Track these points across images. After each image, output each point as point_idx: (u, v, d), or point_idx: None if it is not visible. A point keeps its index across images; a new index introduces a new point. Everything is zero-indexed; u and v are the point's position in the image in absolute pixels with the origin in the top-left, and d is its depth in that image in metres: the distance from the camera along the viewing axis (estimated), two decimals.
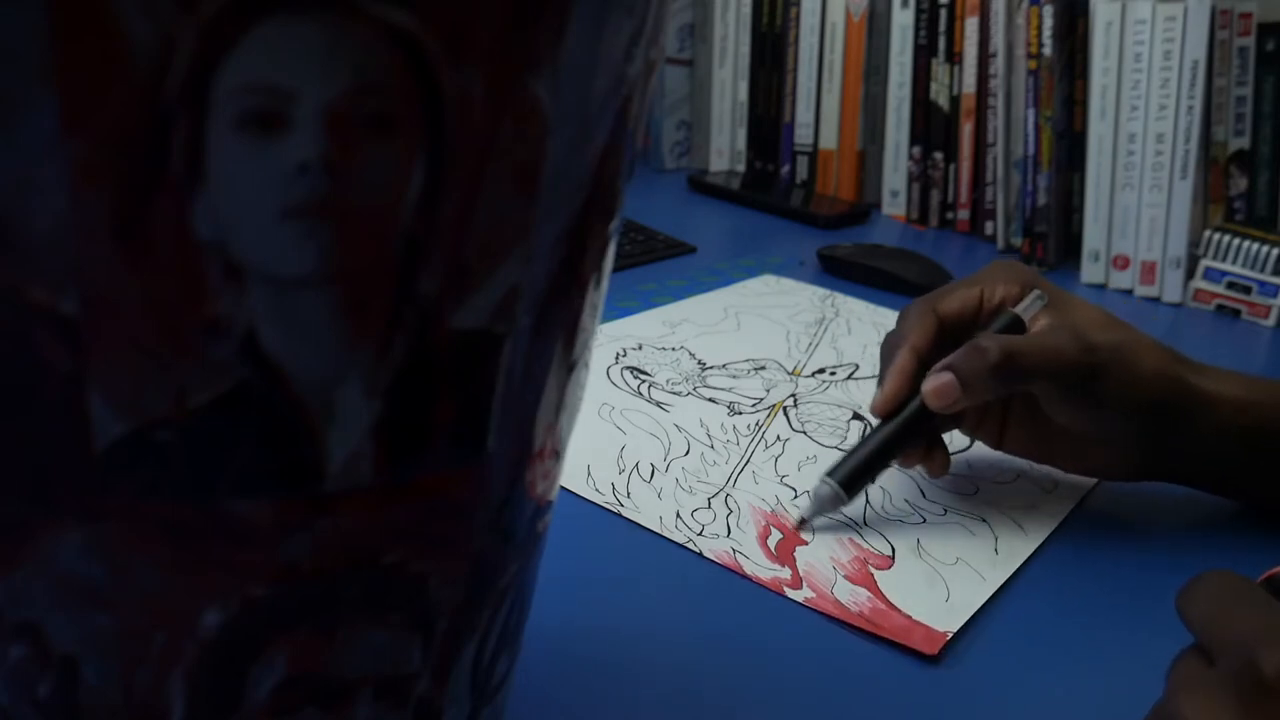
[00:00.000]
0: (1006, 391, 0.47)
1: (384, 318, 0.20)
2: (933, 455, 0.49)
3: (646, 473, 0.52)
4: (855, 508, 0.50)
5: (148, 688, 0.22)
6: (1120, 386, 0.46)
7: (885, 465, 0.48)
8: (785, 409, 0.59)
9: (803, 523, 0.48)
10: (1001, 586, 0.45)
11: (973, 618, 0.43)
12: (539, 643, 0.38)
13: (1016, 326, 0.49)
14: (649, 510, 0.48)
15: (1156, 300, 0.85)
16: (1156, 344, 0.48)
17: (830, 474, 0.47)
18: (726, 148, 1.13)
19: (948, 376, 0.46)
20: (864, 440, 0.48)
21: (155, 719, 0.23)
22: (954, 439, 0.57)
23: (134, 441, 0.20)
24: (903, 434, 0.48)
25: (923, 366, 0.48)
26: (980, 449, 0.56)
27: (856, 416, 0.59)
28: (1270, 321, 0.80)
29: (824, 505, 0.47)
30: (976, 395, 0.46)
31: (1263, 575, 0.32)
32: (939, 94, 0.97)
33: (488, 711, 0.29)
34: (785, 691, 0.38)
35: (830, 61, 1.03)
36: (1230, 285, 0.82)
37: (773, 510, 0.49)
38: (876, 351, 0.68)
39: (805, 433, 0.57)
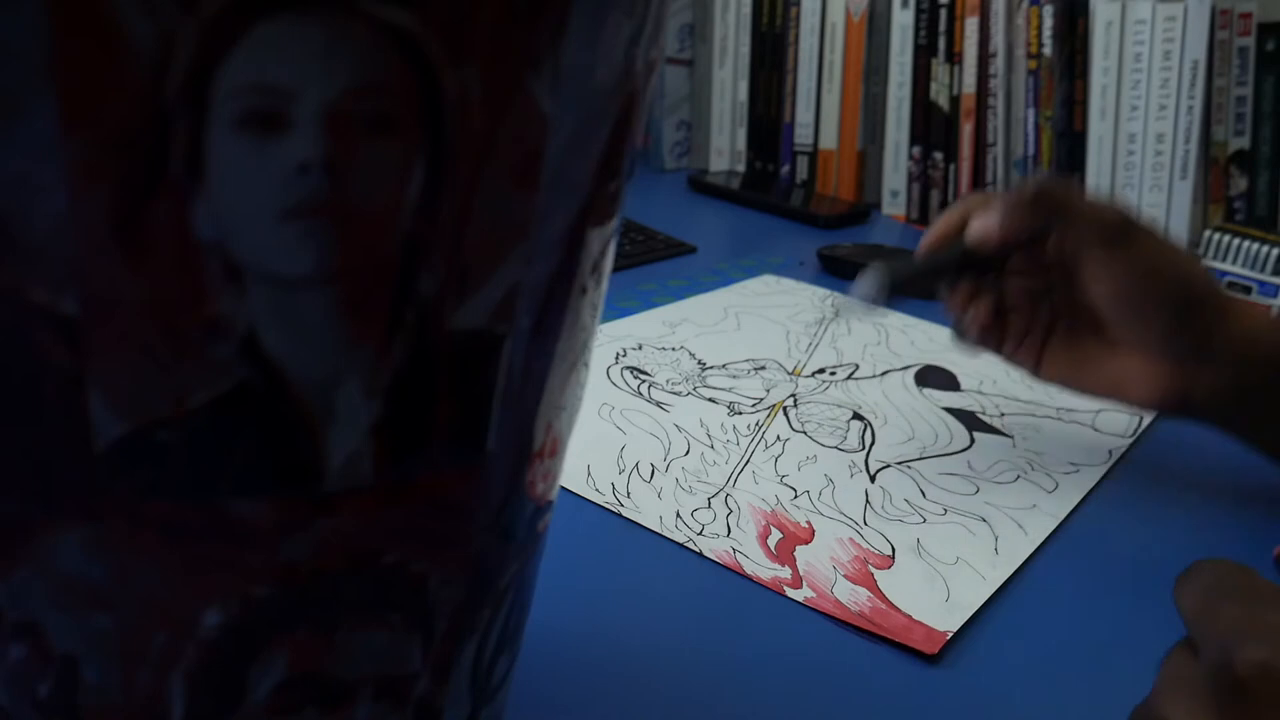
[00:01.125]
0: (1040, 224, 0.49)
1: (384, 318, 0.20)
2: (980, 300, 0.52)
3: (646, 473, 0.52)
4: (855, 507, 0.50)
5: (148, 688, 0.22)
6: (1156, 249, 0.47)
7: (932, 278, 0.51)
8: (785, 409, 0.59)
9: (837, 312, 0.49)
10: (1001, 586, 0.45)
11: (972, 617, 0.43)
12: (539, 643, 0.38)
13: None
14: (649, 510, 0.48)
15: None
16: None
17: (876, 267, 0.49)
18: (726, 148, 1.13)
19: (989, 213, 0.49)
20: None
21: (155, 719, 0.23)
22: (953, 439, 0.57)
23: (134, 441, 0.20)
24: (952, 258, 0.50)
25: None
26: (981, 449, 0.56)
27: (856, 416, 0.59)
28: None
29: (869, 289, 0.49)
30: (1012, 223, 0.49)
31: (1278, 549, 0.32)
32: (939, 94, 0.97)
33: (488, 711, 0.29)
34: (785, 691, 0.38)
35: (830, 61, 1.03)
36: (1230, 285, 0.82)
37: (773, 510, 0.49)
38: (876, 351, 0.68)
39: (805, 433, 0.57)
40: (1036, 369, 0.53)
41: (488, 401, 0.23)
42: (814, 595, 0.43)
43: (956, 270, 0.51)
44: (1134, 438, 0.58)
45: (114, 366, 0.19)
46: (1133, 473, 0.55)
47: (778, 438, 0.56)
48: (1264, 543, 0.49)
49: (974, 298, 0.52)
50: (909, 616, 0.42)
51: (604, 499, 0.49)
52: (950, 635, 0.41)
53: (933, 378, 0.65)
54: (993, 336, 0.53)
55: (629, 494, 0.50)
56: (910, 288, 0.50)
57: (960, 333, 0.54)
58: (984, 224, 0.50)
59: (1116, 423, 0.60)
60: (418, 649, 0.25)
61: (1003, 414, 0.61)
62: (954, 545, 0.47)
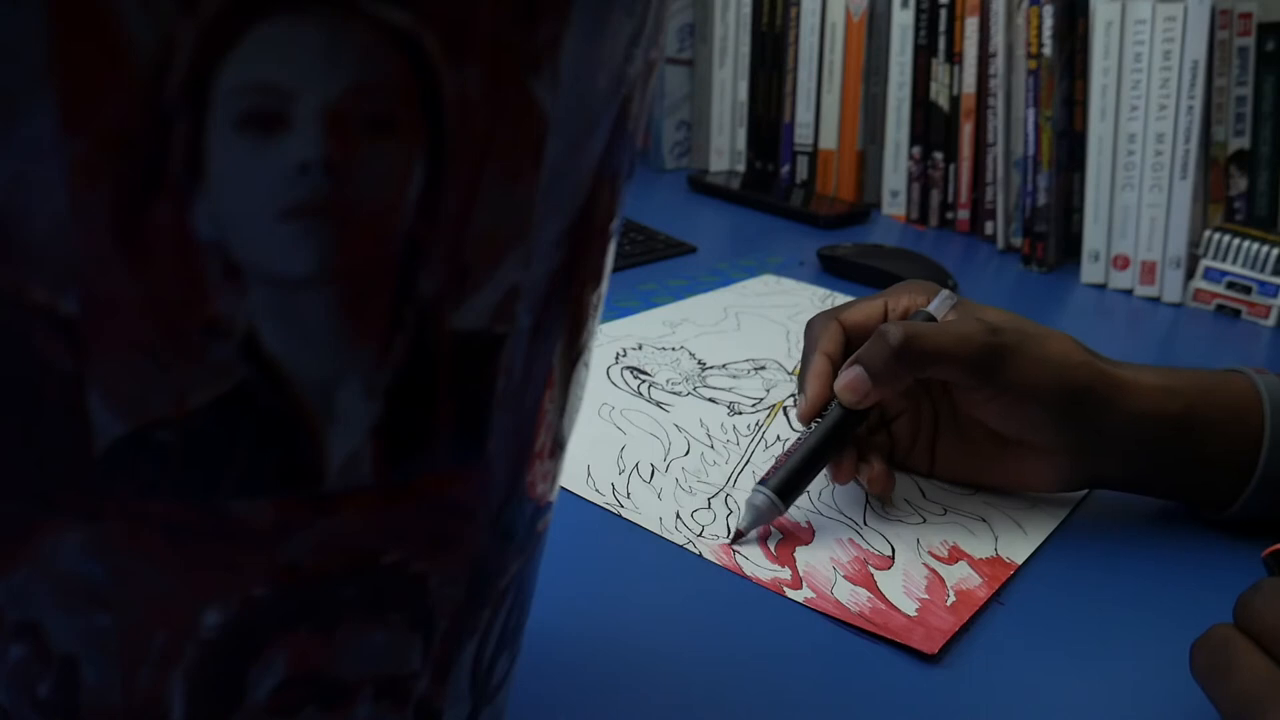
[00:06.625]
0: (913, 376, 0.47)
1: (384, 318, 0.20)
2: (871, 467, 0.49)
3: (646, 473, 0.52)
4: (855, 508, 0.50)
5: (148, 688, 0.22)
6: (1029, 367, 0.46)
7: (817, 470, 0.48)
8: (785, 409, 0.59)
9: (739, 535, 0.46)
10: (1001, 586, 0.45)
11: (973, 617, 0.43)
12: (539, 643, 0.38)
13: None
14: (649, 511, 0.48)
15: (1156, 300, 0.85)
16: (1067, 335, 0.48)
17: (763, 483, 0.47)
18: (726, 148, 1.13)
19: (856, 369, 0.47)
20: (795, 446, 0.48)
21: (155, 719, 0.23)
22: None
23: (134, 441, 0.20)
24: (829, 437, 0.48)
25: (836, 370, 0.49)
26: None
27: None
28: (1270, 321, 0.80)
29: (761, 516, 0.46)
30: (885, 382, 0.47)
31: (1268, 550, 0.32)
32: (939, 94, 0.97)
33: (488, 711, 0.29)
34: (785, 692, 0.38)
35: (830, 61, 1.03)
36: (1230, 285, 0.82)
37: None
38: None
39: None
40: (931, 469, 0.52)
41: (488, 401, 0.23)
42: (814, 596, 0.43)
43: (841, 441, 0.48)
44: None
45: (114, 366, 0.19)
46: None
47: (778, 438, 0.56)
48: (1258, 540, 0.50)
49: (863, 465, 0.49)
50: (909, 616, 0.42)
51: (604, 499, 0.49)
52: (950, 635, 0.41)
53: None
54: (882, 445, 0.52)
55: (629, 494, 0.50)
56: (799, 485, 0.47)
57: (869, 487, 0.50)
58: (853, 383, 0.47)
59: None
60: (418, 649, 0.25)
61: None
62: (953, 546, 0.47)
